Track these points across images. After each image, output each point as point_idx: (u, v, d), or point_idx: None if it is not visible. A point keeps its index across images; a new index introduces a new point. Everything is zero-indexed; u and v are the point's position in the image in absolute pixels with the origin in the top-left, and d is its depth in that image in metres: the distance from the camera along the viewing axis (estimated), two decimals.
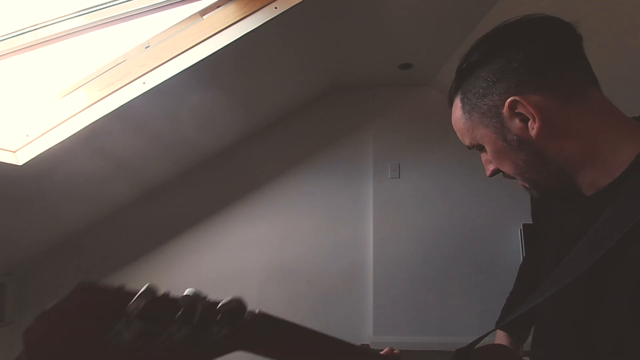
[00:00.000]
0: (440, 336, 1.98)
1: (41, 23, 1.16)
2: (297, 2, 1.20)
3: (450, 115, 0.60)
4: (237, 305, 0.34)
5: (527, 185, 0.55)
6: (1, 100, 1.33)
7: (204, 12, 1.26)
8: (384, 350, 0.55)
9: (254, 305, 0.41)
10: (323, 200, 2.16)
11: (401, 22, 1.49)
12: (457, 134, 0.59)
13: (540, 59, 0.49)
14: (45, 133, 1.25)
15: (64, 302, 0.29)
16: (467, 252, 2.08)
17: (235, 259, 2.09)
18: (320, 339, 0.45)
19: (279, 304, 2.06)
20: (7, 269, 1.92)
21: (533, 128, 0.48)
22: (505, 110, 0.49)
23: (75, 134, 1.26)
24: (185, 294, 0.33)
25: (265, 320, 0.39)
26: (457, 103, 0.56)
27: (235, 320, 0.35)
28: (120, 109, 1.27)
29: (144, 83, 1.26)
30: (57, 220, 1.77)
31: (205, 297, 0.33)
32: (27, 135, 1.25)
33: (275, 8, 1.22)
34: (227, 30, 1.25)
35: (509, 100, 0.49)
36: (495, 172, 0.57)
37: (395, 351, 0.57)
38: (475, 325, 2.00)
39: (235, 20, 1.24)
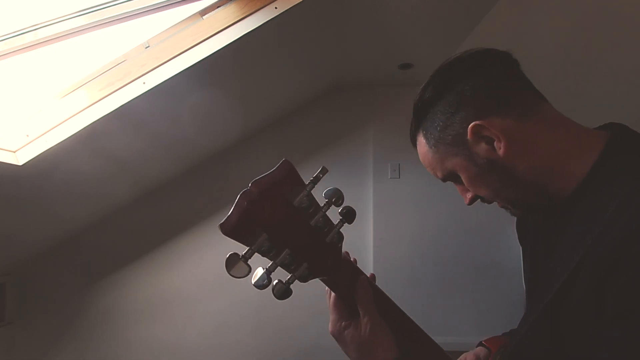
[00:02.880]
0: (440, 336, 1.96)
1: (41, 23, 1.16)
2: (297, 2, 1.20)
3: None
4: (350, 210, 0.47)
5: (507, 205, 0.56)
6: (1, 100, 1.33)
7: (204, 12, 1.26)
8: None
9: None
10: (323, 200, 2.16)
11: (401, 22, 1.49)
12: (428, 169, 0.60)
13: (491, 86, 0.52)
14: (45, 133, 1.25)
15: (273, 173, 0.44)
16: (467, 252, 2.08)
17: None
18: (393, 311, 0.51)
19: (279, 304, 2.05)
20: (7, 269, 1.92)
21: (500, 148, 0.50)
22: (469, 136, 0.51)
23: (75, 134, 1.26)
24: (327, 189, 0.47)
25: (349, 264, 0.49)
26: (421, 140, 0.58)
27: (349, 220, 0.47)
28: (120, 109, 1.27)
29: (144, 83, 1.26)
30: (57, 220, 1.77)
31: (341, 196, 0.47)
32: (27, 135, 1.25)
33: (275, 8, 1.22)
34: (227, 30, 1.25)
35: (471, 125, 0.51)
36: (474, 199, 0.58)
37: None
38: (475, 325, 2.00)
39: (235, 20, 1.24)
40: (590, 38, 1.43)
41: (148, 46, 1.26)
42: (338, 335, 0.51)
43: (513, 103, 0.51)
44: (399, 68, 1.96)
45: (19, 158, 1.25)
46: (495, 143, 0.50)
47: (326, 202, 0.46)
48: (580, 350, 0.45)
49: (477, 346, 0.76)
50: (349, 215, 0.47)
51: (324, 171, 0.44)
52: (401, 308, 0.51)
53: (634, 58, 1.56)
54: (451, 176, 0.57)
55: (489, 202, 0.57)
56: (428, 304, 2.03)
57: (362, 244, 2.11)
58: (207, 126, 1.79)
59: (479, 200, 0.58)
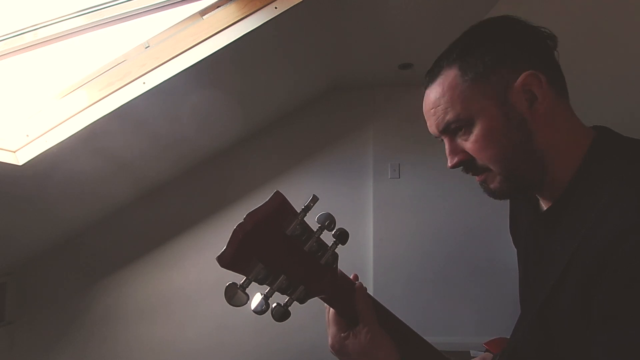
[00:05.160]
0: (440, 336, 1.97)
1: (41, 23, 1.16)
2: (297, 2, 1.20)
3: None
4: (343, 232, 0.49)
5: (503, 176, 0.52)
6: (1, 100, 1.33)
7: (204, 12, 1.26)
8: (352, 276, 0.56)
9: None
10: (323, 200, 2.14)
11: (401, 22, 1.49)
12: (437, 107, 0.53)
13: (551, 53, 0.51)
14: (45, 133, 1.25)
15: (265, 205, 0.45)
16: (466, 252, 2.08)
17: None
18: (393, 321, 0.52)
19: None
20: (7, 269, 1.92)
21: (538, 109, 0.49)
22: (518, 83, 0.49)
23: (75, 134, 1.26)
24: (319, 214, 0.49)
25: (346, 280, 0.51)
26: (453, 72, 0.52)
27: (342, 241, 0.49)
28: (120, 109, 1.27)
29: (144, 83, 1.26)
30: (57, 220, 1.77)
31: (332, 221, 0.49)
32: (27, 135, 1.25)
33: (275, 8, 1.22)
34: (227, 30, 1.25)
35: (528, 72, 0.49)
36: (461, 163, 0.53)
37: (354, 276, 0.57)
38: (475, 325, 2.00)
39: (235, 20, 1.24)
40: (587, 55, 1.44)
41: (148, 46, 1.26)
42: (339, 347, 0.51)
43: (559, 76, 0.51)
44: (399, 68, 1.96)
45: (19, 158, 1.25)
46: (535, 103, 0.49)
47: (319, 227, 0.47)
48: (573, 355, 0.44)
49: (484, 351, 0.76)
50: (342, 237, 0.49)
51: (315, 200, 0.47)
52: (400, 309, 0.53)
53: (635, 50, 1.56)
54: (459, 123, 0.51)
55: (472, 171, 0.54)
56: (428, 304, 2.03)
57: (362, 244, 2.11)
58: (207, 126, 1.79)
59: (461, 168, 0.54)
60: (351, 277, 0.54)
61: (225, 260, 0.43)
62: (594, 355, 0.40)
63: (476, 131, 0.50)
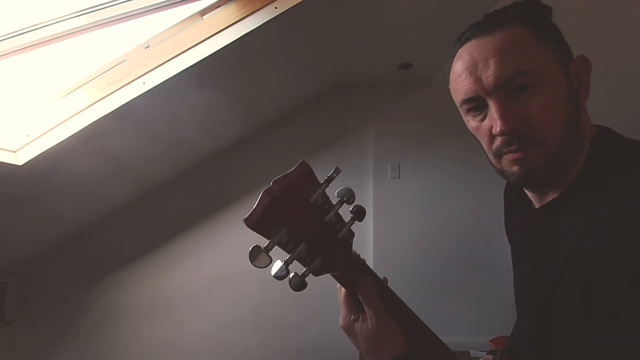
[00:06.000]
0: (440, 336, 1.97)
1: (41, 23, 1.16)
2: (297, 2, 1.20)
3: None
4: (360, 209, 0.51)
5: (542, 159, 0.47)
6: (1, 100, 1.33)
7: (204, 12, 1.26)
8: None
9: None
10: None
11: (401, 22, 1.49)
12: (506, 53, 0.46)
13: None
14: (45, 133, 1.25)
15: (292, 173, 0.47)
16: (466, 252, 2.09)
17: (235, 259, 2.09)
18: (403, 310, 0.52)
19: (279, 304, 2.06)
20: (8, 269, 1.92)
21: (581, 94, 0.49)
22: (573, 63, 0.49)
23: (75, 134, 1.26)
24: (340, 189, 0.50)
25: (359, 261, 0.52)
26: (519, 28, 0.47)
27: (359, 218, 0.50)
28: (120, 109, 1.27)
29: (144, 83, 1.26)
30: (57, 220, 1.77)
31: (352, 195, 0.50)
32: (27, 135, 1.25)
33: (275, 8, 1.22)
34: (227, 30, 1.25)
35: (582, 55, 0.49)
36: (516, 129, 0.46)
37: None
38: (475, 325, 2.00)
39: (235, 20, 1.24)
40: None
41: (148, 46, 1.26)
42: (348, 329, 0.51)
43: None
44: (399, 68, 1.97)
45: (19, 158, 1.25)
46: (581, 87, 0.49)
47: (339, 200, 0.49)
48: (573, 353, 0.44)
49: (487, 353, 0.76)
50: (359, 214, 0.50)
51: (338, 171, 0.49)
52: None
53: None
54: (531, 77, 0.45)
55: (520, 143, 0.46)
56: (428, 304, 2.03)
57: (362, 244, 2.11)
58: (207, 126, 1.79)
59: (504, 136, 0.47)
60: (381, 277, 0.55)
61: (252, 222, 0.44)
62: (596, 354, 0.40)
63: (546, 94, 0.45)
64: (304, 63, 1.77)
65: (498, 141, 0.48)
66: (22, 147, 1.25)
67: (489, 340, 1.50)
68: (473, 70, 0.47)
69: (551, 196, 0.52)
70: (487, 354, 0.75)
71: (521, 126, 0.46)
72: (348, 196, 0.50)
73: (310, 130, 2.23)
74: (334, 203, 0.49)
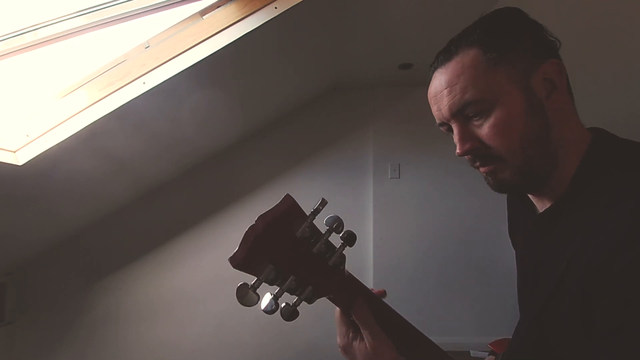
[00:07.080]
0: (440, 336, 1.97)
1: (41, 23, 1.16)
2: (297, 2, 1.20)
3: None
4: (351, 234, 0.49)
5: (507, 172, 0.50)
6: (1, 100, 1.33)
7: (204, 12, 1.26)
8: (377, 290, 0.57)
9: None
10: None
11: (401, 22, 1.49)
12: (454, 86, 0.49)
13: (556, 46, 0.51)
14: (45, 133, 1.25)
15: (276, 208, 0.46)
16: (467, 252, 2.08)
17: None
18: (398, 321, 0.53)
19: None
20: (8, 269, 1.92)
21: (554, 100, 0.49)
22: (541, 70, 0.48)
23: (75, 134, 1.26)
24: (328, 217, 0.49)
25: (353, 282, 0.51)
26: (473, 52, 0.49)
27: (350, 243, 0.49)
28: (120, 109, 1.27)
29: (144, 83, 1.26)
30: (57, 220, 1.77)
31: (341, 223, 0.49)
32: (27, 135, 1.25)
33: (275, 8, 1.22)
34: (227, 30, 1.25)
35: (552, 60, 0.48)
36: (472, 150, 0.50)
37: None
38: (475, 325, 2.00)
39: (235, 20, 1.24)
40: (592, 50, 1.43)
41: (148, 46, 1.26)
42: (348, 347, 0.52)
43: (566, 77, 0.51)
44: (399, 68, 1.96)
45: (19, 158, 1.25)
46: (554, 93, 0.48)
47: (327, 229, 0.49)
48: None
49: (489, 354, 0.76)
50: (349, 240, 0.50)
51: (324, 203, 0.47)
52: (400, 309, 0.53)
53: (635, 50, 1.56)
54: (478, 105, 0.48)
55: (482, 160, 0.51)
56: (428, 304, 2.03)
57: (362, 244, 2.11)
58: (207, 126, 1.79)
59: (467, 156, 0.52)
60: (375, 291, 0.55)
61: (237, 262, 0.44)
62: None
63: (495, 115, 0.47)
64: (304, 63, 1.77)
65: (467, 158, 0.53)
66: (22, 147, 1.25)
67: (490, 344, 1.50)
68: (435, 100, 0.53)
69: (551, 200, 0.52)
70: (488, 355, 0.75)
71: (479, 146, 0.50)
72: (336, 225, 0.49)
73: (310, 130, 2.23)
74: (323, 232, 0.48)
